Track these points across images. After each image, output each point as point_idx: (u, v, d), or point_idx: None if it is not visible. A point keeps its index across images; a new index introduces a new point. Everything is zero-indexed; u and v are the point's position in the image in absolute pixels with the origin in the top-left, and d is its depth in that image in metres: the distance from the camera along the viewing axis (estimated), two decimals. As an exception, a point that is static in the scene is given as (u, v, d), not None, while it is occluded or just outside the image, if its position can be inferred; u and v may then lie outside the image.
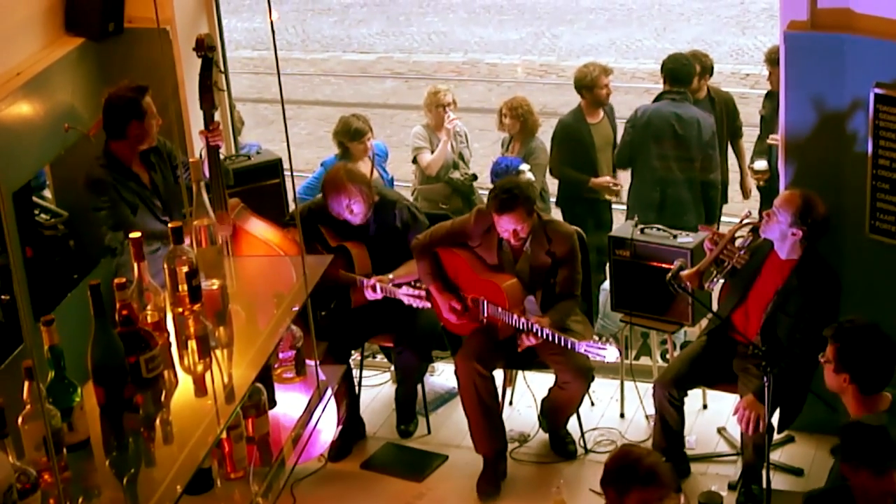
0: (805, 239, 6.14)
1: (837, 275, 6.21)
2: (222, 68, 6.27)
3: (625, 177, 8.61)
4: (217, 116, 6.00)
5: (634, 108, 8.53)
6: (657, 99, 8.33)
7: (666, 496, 4.52)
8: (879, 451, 4.50)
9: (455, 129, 8.65)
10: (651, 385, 6.65)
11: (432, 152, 8.56)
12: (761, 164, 8.24)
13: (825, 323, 5.89)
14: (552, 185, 8.76)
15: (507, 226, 6.50)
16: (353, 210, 6.85)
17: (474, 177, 8.58)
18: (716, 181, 8.35)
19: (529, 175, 8.07)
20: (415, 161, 8.68)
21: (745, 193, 8.92)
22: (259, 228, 6.27)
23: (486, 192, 7.23)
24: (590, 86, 8.41)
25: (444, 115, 8.52)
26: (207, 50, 5.57)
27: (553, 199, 8.86)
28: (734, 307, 6.40)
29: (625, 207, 8.54)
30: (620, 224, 7.69)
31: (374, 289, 6.84)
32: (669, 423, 6.47)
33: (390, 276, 6.88)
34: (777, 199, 6.28)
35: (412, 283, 6.86)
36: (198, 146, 6.67)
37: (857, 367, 5.04)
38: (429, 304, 6.82)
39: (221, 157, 6.56)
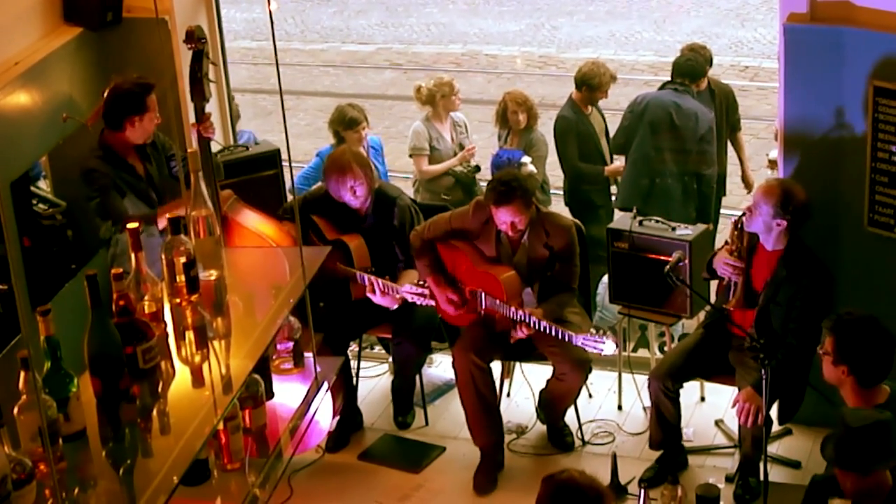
0: (789, 227, 6.13)
1: (824, 262, 6.20)
2: (214, 60, 6.25)
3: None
4: (209, 108, 6.00)
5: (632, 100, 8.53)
6: (660, 88, 8.32)
7: None
8: (867, 454, 4.51)
9: (454, 120, 8.65)
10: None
11: (431, 148, 8.54)
12: (776, 154, 8.22)
13: (817, 310, 5.91)
14: (557, 179, 8.74)
15: (504, 218, 6.49)
16: (357, 192, 6.83)
17: (477, 168, 8.57)
18: (711, 177, 8.32)
19: (531, 168, 8.06)
20: (412, 156, 8.67)
21: (748, 185, 8.89)
22: (252, 220, 6.26)
23: (486, 184, 7.21)
24: (595, 87, 8.38)
25: (457, 101, 8.53)
26: (198, 42, 5.55)
27: (555, 191, 8.85)
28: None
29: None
30: (618, 216, 7.69)
31: (373, 290, 6.81)
32: (666, 416, 6.47)
33: (395, 285, 6.86)
34: (755, 192, 6.28)
35: (415, 281, 6.84)
36: (195, 137, 6.66)
37: (855, 360, 5.03)
38: (433, 302, 6.81)
39: (217, 148, 6.56)
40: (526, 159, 8.10)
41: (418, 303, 6.78)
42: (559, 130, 8.47)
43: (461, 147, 8.63)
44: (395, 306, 6.84)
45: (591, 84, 8.37)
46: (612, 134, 8.64)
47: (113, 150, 6.38)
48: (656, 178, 8.14)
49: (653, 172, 8.15)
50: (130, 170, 6.41)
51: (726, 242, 6.43)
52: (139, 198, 6.41)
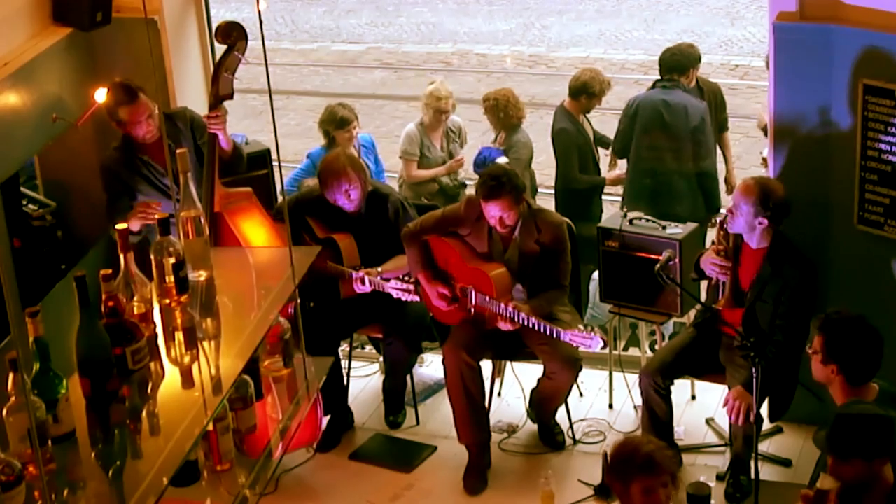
0: (771, 224, 6.14)
1: (807, 256, 6.21)
2: (244, 59, 6.27)
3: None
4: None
5: (622, 99, 8.51)
6: (651, 88, 8.31)
7: (668, 481, 4.67)
8: (848, 439, 4.51)
9: (448, 126, 8.64)
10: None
11: (421, 155, 8.53)
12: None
13: (804, 305, 5.92)
14: (547, 178, 8.70)
15: (493, 212, 6.50)
16: (351, 196, 6.83)
17: (463, 185, 8.58)
18: (711, 170, 8.25)
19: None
20: (402, 157, 8.66)
21: (730, 187, 8.83)
22: (252, 222, 6.29)
23: (472, 183, 7.21)
24: (596, 94, 8.36)
25: (443, 120, 8.54)
26: (225, 38, 5.79)
27: (545, 191, 8.82)
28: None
29: (619, 198, 8.51)
30: (610, 214, 7.68)
31: (362, 281, 6.83)
32: (657, 414, 6.47)
33: (379, 269, 6.86)
34: (734, 194, 6.29)
35: (401, 276, 6.85)
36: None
37: (844, 359, 5.04)
38: (417, 298, 6.81)
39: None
40: (502, 160, 8.06)
41: (404, 298, 6.78)
42: (562, 145, 8.36)
43: (450, 155, 8.62)
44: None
45: (591, 92, 8.32)
46: (604, 138, 8.64)
47: (130, 142, 6.40)
48: (657, 177, 8.11)
49: (652, 172, 8.12)
50: (147, 165, 6.39)
51: (713, 242, 6.45)
52: (155, 190, 6.40)
